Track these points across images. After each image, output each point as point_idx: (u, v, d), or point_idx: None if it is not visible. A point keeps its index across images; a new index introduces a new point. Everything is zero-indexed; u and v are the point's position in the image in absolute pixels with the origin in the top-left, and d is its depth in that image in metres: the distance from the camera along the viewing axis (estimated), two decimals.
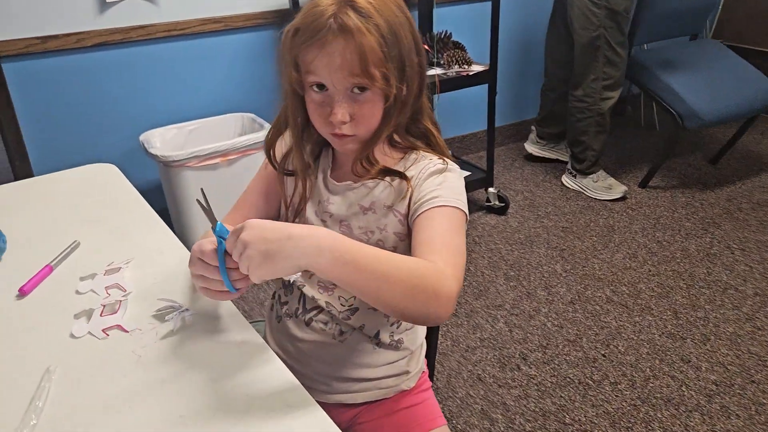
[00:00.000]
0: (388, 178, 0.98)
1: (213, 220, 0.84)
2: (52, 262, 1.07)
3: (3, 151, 2.30)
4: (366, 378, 1.08)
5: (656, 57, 2.92)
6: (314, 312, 1.05)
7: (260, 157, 2.52)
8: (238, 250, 0.77)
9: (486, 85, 2.54)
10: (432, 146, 1.03)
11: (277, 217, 1.11)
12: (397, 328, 1.07)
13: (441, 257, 0.84)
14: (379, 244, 0.99)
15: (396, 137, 1.02)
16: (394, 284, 0.79)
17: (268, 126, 2.37)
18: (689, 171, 3.15)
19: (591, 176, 2.88)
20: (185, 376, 0.83)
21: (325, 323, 1.04)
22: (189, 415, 0.77)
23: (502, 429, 1.72)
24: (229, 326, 0.92)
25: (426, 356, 1.19)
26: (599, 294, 2.25)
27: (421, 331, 1.16)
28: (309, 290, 1.05)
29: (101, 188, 1.36)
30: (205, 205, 0.85)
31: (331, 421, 0.76)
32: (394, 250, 0.99)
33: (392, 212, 0.99)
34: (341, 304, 1.03)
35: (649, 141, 3.50)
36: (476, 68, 2.51)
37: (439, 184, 0.95)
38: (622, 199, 2.85)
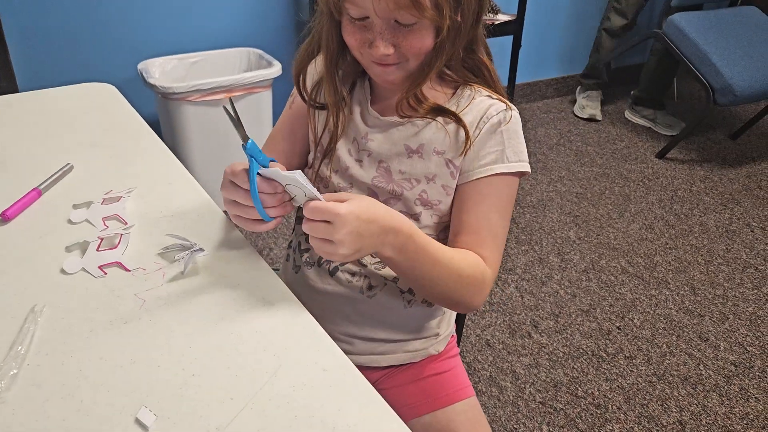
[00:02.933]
0: (440, 119, 0.85)
1: (244, 135, 0.70)
2: (40, 185, 0.93)
3: None
4: (393, 339, 0.96)
5: (695, 22, 2.73)
6: None
7: (266, 96, 2.36)
8: (324, 236, 0.69)
9: (511, 37, 2.38)
10: (486, 81, 0.89)
11: (304, 161, 0.98)
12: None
13: (487, 250, 0.84)
14: (422, 196, 0.87)
15: (446, 70, 0.88)
16: (445, 281, 0.80)
17: (276, 63, 2.21)
18: (708, 144, 3.03)
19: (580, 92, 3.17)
20: (196, 326, 0.70)
21: (353, 274, 0.92)
22: (200, 372, 0.64)
23: (511, 398, 1.63)
24: (248, 270, 0.79)
25: (456, 321, 1.08)
26: (614, 264, 2.16)
27: None
28: None
29: (98, 109, 1.21)
30: (233, 115, 0.71)
31: (362, 375, 0.65)
32: (438, 204, 0.87)
33: (446, 163, 0.86)
34: (372, 255, 0.91)
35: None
36: (503, 17, 2.34)
37: (500, 141, 0.84)
38: (592, 120, 3.12)
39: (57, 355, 0.66)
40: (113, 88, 1.30)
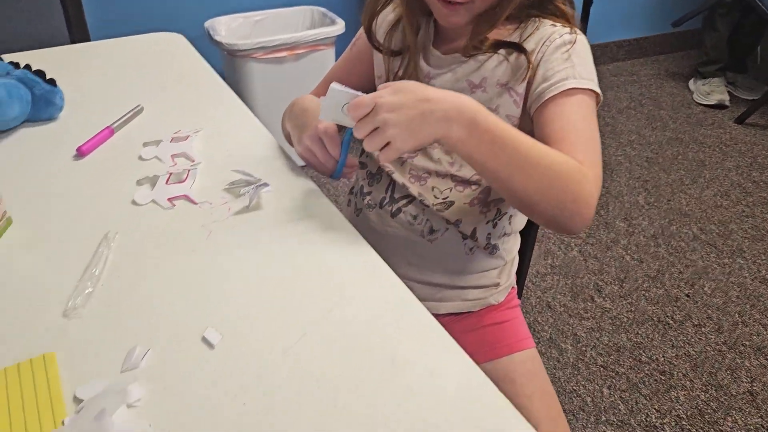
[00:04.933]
0: (502, 51, 0.82)
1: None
2: (112, 124, 0.95)
3: (60, 15, 2.19)
4: (453, 285, 0.95)
5: None
6: (403, 201, 0.91)
7: (329, 54, 2.34)
8: (371, 125, 0.66)
9: None
10: (552, 12, 0.85)
11: None
12: (494, 228, 0.93)
13: (579, 155, 0.71)
14: None
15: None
16: (531, 174, 0.68)
17: (339, 21, 2.19)
18: None
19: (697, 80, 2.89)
20: (261, 256, 0.71)
21: (414, 216, 0.91)
22: (265, 299, 0.65)
23: (571, 360, 1.60)
24: (313, 206, 0.80)
25: (517, 273, 1.05)
26: (685, 230, 2.06)
27: (517, 242, 1.02)
28: (399, 177, 0.91)
29: (168, 57, 1.23)
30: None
31: (424, 308, 0.64)
32: None
33: (507, 92, 0.83)
34: (435, 196, 0.90)
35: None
36: None
37: (567, 59, 0.79)
38: (720, 107, 2.79)
39: (128, 278, 0.68)
40: (182, 37, 1.32)
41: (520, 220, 0.99)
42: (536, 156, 0.69)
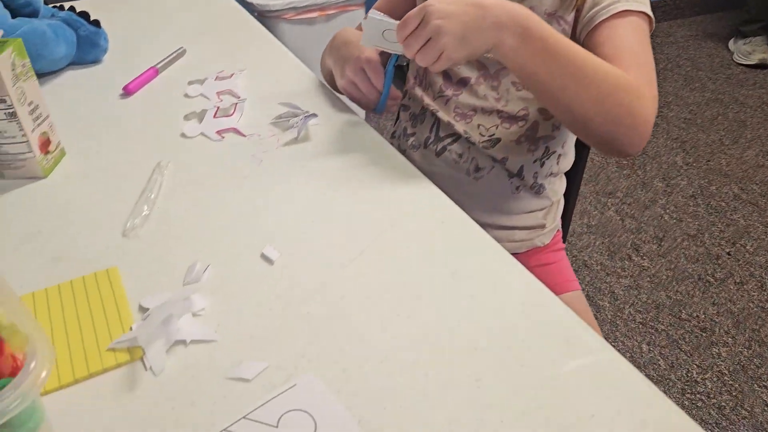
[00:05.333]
0: None
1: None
2: (157, 65, 0.95)
3: None
4: (500, 225, 0.94)
5: None
6: (448, 140, 0.90)
7: (360, 14, 2.31)
8: (422, 38, 0.64)
9: None
10: None
11: None
12: (541, 167, 0.92)
13: (633, 72, 0.69)
14: None
15: None
16: (586, 86, 0.66)
17: None
18: None
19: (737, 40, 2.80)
20: (313, 183, 0.71)
21: (460, 155, 0.90)
22: (320, 220, 0.65)
23: (609, 317, 1.58)
24: (361, 136, 0.79)
25: (562, 217, 1.04)
26: (725, 190, 2.02)
27: (563, 183, 1.00)
28: (444, 116, 0.90)
29: (207, 3, 1.23)
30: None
31: (477, 225, 0.64)
32: None
33: (556, 21, 0.81)
34: (480, 134, 0.88)
35: None
36: None
37: None
38: (762, 66, 2.69)
39: (184, 201, 0.68)
40: None
41: (568, 161, 0.97)
42: (591, 67, 0.66)
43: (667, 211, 1.94)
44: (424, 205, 0.67)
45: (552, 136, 0.90)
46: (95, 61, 0.99)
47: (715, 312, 1.59)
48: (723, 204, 1.96)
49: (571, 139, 0.95)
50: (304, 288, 0.57)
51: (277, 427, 0.46)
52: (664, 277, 1.69)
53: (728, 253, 1.77)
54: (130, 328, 0.53)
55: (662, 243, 1.81)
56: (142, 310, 0.55)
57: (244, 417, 0.46)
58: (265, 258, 0.60)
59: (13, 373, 0.40)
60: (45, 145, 0.72)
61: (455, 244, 0.62)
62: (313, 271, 0.58)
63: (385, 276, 0.58)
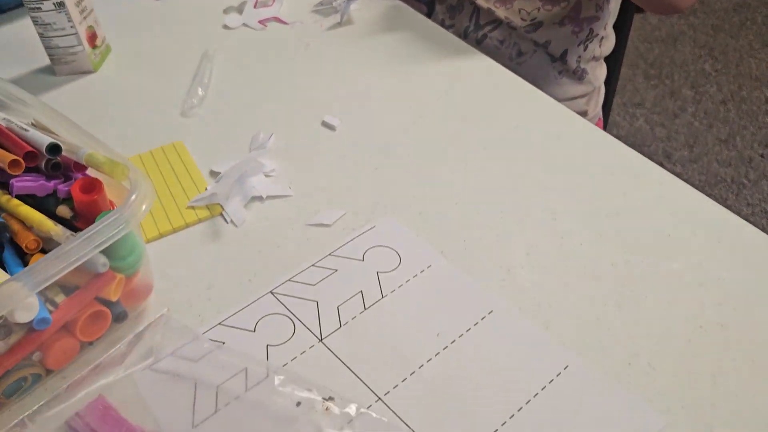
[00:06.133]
0: None
1: None
2: None
3: None
4: None
5: None
6: (489, 27, 0.89)
7: None
8: None
9: None
10: None
11: None
12: (585, 50, 0.90)
13: None
14: None
15: None
16: None
17: None
18: None
19: None
20: (364, 62, 0.70)
21: (501, 41, 0.89)
22: (376, 95, 0.65)
23: None
24: (404, 19, 0.78)
25: (603, 105, 1.03)
26: (756, 94, 1.98)
27: (603, 70, 0.99)
28: (484, 3, 0.88)
29: None
30: None
31: (559, 103, 0.64)
32: None
33: None
34: (522, 18, 0.87)
35: None
36: None
37: None
38: None
39: (238, 82, 0.68)
40: None
41: (609, 44, 0.95)
42: None
43: (697, 118, 1.91)
44: (476, 73, 0.67)
45: (596, 17, 0.88)
46: None
47: (749, 212, 1.58)
48: (754, 108, 1.93)
49: (612, 21, 0.93)
50: (370, 148, 0.58)
51: (363, 260, 0.47)
52: (697, 181, 1.68)
53: (761, 155, 1.75)
54: (205, 189, 0.54)
55: (693, 149, 1.80)
56: (214, 174, 0.56)
57: (330, 254, 0.48)
58: (327, 125, 0.61)
59: None
60: (92, 38, 0.73)
61: (511, 103, 0.62)
62: (376, 135, 0.59)
63: (449, 133, 0.58)
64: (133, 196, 0.40)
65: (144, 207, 0.40)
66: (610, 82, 1.04)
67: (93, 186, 0.42)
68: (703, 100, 1.98)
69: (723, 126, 1.87)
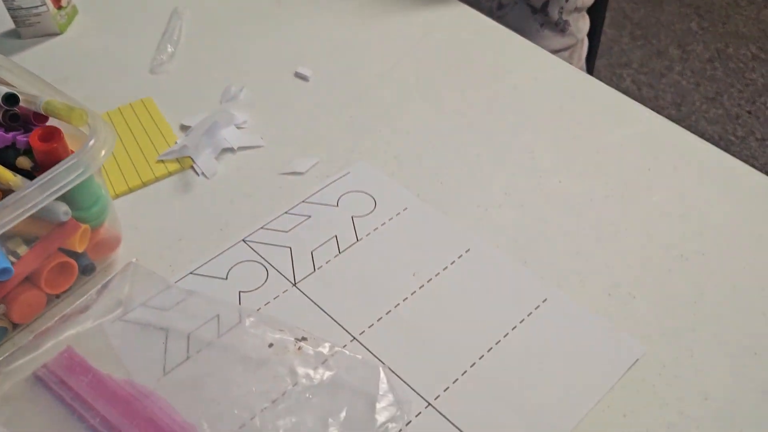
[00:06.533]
0: None
1: None
2: None
3: None
4: None
5: None
6: None
7: None
8: None
9: None
10: None
11: None
12: (567, 1, 0.88)
13: None
14: None
15: None
16: None
17: None
18: None
19: None
20: (339, 14, 0.69)
21: None
22: (348, 46, 0.63)
23: None
24: None
25: (586, 59, 1.01)
26: (743, 51, 1.96)
27: (586, 22, 0.97)
28: None
29: None
30: None
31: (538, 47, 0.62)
32: None
33: None
34: None
35: None
36: None
37: None
38: None
39: (206, 39, 0.66)
40: None
41: None
42: None
43: (684, 76, 1.90)
44: (451, 20, 0.65)
45: None
46: None
47: None
48: (741, 65, 1.91)
49: None
50: (345, 97, 0.56)
51: (337, 206, 0.46)
52: None
53: (748, 112, 1.74)
54: (175, 142, 0.53)
55: (681, 108, 1.79)
56: (184, 129, 0.54)
57: (303, 201, 0.46)
58: (300, 76, 0.59)
59: None
60: None
61: (488, 49, 0.61)
62: (350, 83, 0.58)
63: (424, 81, 0.57)
64: (92, 141, 0.38)
65: (103, 153, 0.39)
66: (594, 36, 1.03)
67: (52, 135, 0.41)
68: (689, 58, 1.96)
69: (710, 84, 1.86)
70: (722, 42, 2.03)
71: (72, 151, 0.43)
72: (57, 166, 0.36)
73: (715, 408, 0.34)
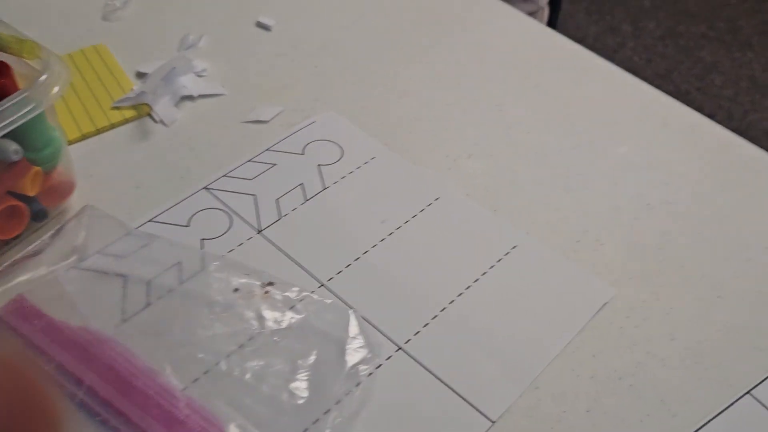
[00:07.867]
0: None
1: None
2: None
3: None
4: None
5: None
6: None
7: None
8: None
9: None
10: None
11: None
12: None
13: None
14: None
15: None
16: None
17: None
18: None
19: None
20: None
21: None
22: None
23: None
24: None
25: (549, 23, 1.02)
26: (693, 29, 2.01)
27: None
28: None
29: None
30: None
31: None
32: None
33: None
34: None
35: None
36: None
37: None
38: None
39: None
40: None
41: None
42: None
43: (636, 53, 1.93)
44: None
45: None
46: None
47: None
48: (691, 43, 1.96)
49: None
50: (309, 47, 0.54)
51: (303, 154, 0.45)
52: None
53: (697, 89, 1.79)
54: (131, 89, 0.50)
55: None
56: (141, 76, 0.52)
57: (268, 149, 0.45)
58: (261, 25, 0.57)
59: None
60: None
61: (458, 3, 0.60)
62: (314, 34, 0.56)
63: (391, 31, 0.56)
64: (44, 76, 0.36)
65: (57, 89, 0.36)
66: (554, 7, 1.03)
67: (0, 70, 0.38)
68: (642, 35, 2.00)
69: (661, 61, 1.90)
70: (674, 20, 2.07)
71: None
72: (5, 100, 0.34)
73: (682, 347, 0.34)
